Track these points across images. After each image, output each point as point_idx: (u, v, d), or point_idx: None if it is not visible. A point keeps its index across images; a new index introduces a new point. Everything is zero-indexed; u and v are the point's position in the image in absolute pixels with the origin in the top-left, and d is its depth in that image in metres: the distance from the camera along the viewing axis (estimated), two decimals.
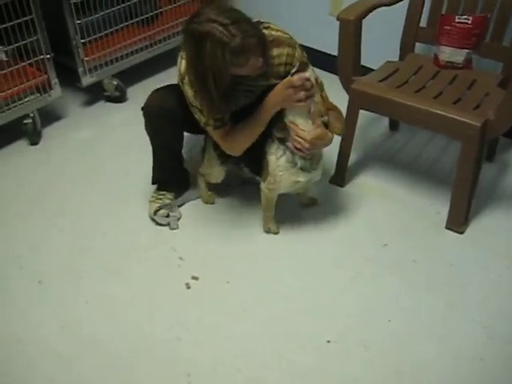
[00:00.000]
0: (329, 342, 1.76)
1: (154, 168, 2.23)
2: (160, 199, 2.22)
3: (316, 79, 1.83)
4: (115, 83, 2.87)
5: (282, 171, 1.93)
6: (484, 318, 1.82)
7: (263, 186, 2.02)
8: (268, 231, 2.15)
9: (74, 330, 1.82)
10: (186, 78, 1.84)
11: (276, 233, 2.15)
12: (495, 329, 1.78)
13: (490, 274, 1.97)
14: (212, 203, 2.26)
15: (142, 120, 2.07)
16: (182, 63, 1.85)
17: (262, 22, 1.86)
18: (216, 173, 2.17)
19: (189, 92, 1.86)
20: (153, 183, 2.28)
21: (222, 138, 1.93)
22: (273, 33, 1.86)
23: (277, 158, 1.92)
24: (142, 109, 2.06)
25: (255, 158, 1.98)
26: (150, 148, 2.16)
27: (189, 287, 1.95)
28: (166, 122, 2.01)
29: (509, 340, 1.75)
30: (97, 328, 1.83)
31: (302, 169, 1.93)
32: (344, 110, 2.20)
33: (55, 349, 1.76)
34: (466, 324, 1.80)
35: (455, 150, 2.28)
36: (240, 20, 1.67)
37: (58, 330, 1.82)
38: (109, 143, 2.66)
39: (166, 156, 2.17)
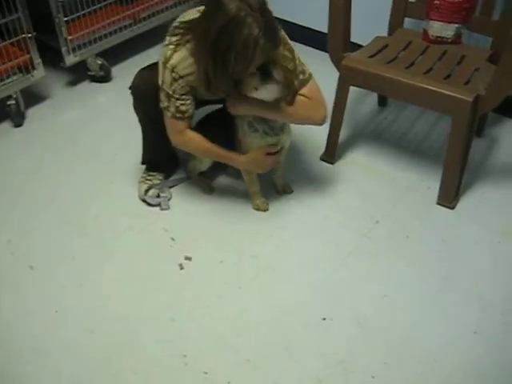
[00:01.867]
0: (324, 319, 1.77)
1: (143, 148, 2.21)
2: (149, 180, 2.20)
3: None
4: (99, 62, 2.82)
5: (249, 138, 1.96)
6: (478, 291, 1.84)
7: None
8: (257, 209, 2.14)
9: (68, 314, 1.81)
10: (170, 63, 1.81)
11: (265, 210, 2.14)
12: (489, 302, 1.81)
13: (481, 248, 1.99)
14: (212, 192, 2.24)
15: (128, 100, 2.04)
16: (169, 47, 1.81)
17: None
18: (200, 162, 2.18)
19: (167, 78, 1.83)
20: (142, 163, 2.26)
21: (179, 131, 1.95)
22: None
23: (241, 121, 1.96)
24: (130, 88, 2.03)
25: (230, 143, 2.01)
26: (138, 128, 2.13)
27: (182, 268, 1.94)
28: (154, 100, 1.98)
29: (502, 312, 1.78)
30: (91, 311, 1.81)
31: (265, 132, 1.95)
32: (334, 87, 2.19)
33: (49, 333, 1.75)
34: (461, 298, 1.82)
35: (444, 126, 2.29)
36: (266, 10, 1.67)
37: (52, 314, 1.80)
38: (95, 124, 2.62)
39: (155, 135, 2.12)
